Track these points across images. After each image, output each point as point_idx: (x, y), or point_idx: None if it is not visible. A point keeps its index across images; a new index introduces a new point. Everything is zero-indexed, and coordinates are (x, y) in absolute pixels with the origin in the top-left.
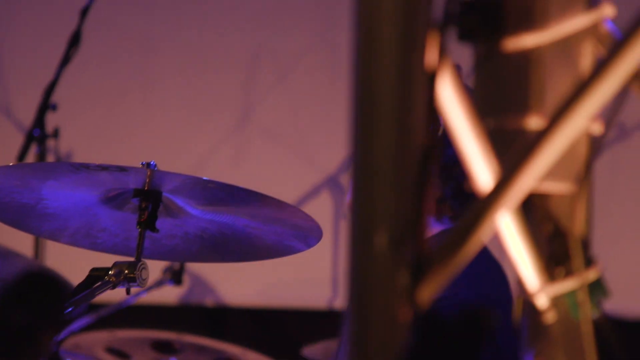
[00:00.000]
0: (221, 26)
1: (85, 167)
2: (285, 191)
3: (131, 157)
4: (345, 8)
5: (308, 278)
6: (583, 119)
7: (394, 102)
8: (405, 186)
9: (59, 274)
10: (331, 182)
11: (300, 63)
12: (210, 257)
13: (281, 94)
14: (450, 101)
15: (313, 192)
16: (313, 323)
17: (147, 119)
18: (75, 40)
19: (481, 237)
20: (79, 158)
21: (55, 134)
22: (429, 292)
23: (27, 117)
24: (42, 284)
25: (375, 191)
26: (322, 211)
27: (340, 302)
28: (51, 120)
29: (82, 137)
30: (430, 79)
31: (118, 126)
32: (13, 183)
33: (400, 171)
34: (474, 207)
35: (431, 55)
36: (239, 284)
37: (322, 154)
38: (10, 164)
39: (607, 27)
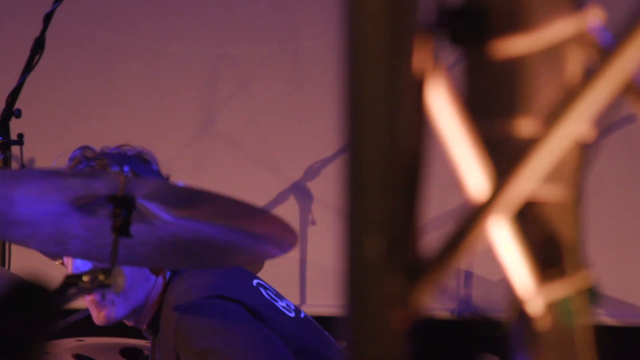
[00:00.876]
0: (181, 34)
1: (58, 173)
2: (250, 199)
3: None
4: (306, 14)
5: (275, 285)
6: (577, 125)
7: (382, 107)
8: (396, 191)
9: (45, 282)
10: (296, 189)
11: (261, 70)
12: (184, 263)
13: (242, 102)
14: (441, 107)
15: (278, 200)
16: None
17: (109, 126)
18: (38, 46)
19: (475, 243)
20: (43, 164)
21: (20, 140)
22: (423, 298)
23: None
24: (32, 293)
25: (367, 197)
26: (288, 218)
27: (307, 308)
28: (14, 127)
29: (45, 143)
30: (419, 84)
31: (81, 133)
32: None
33: (391, 176)
34: (468, 213)
35: (421, 59)
36: None
37: (285, 161)
38: None
39: (595, 31)
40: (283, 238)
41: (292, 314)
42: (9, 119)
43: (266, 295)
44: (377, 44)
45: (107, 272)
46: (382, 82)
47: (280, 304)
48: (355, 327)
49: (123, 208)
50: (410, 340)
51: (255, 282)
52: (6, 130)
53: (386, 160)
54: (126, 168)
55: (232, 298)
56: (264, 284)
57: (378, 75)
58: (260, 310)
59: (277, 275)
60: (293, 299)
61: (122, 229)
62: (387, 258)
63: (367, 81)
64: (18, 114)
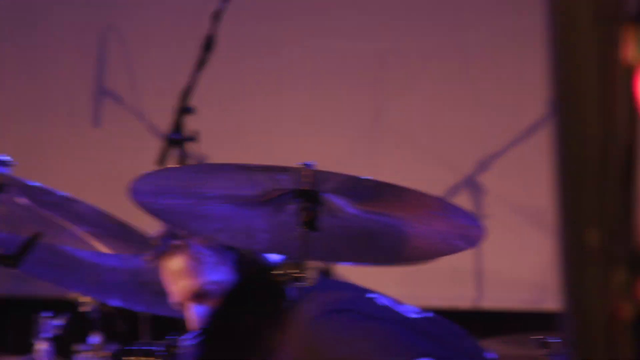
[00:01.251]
0: (349, 30)
1: (247, 168)
2: None
3: (266, 159)
4: (473, 7)
5: (450, 278)
6: None
7: (596, 100)
8: (612, 182)
9: (276, 275)
10: (468, 183)
11: (429, 64)
12: (369, 258)
13: (411, 96)
14: None
15: (450, 193)
16: (457, 323)
17: (279, 122)
18: (209, 44)
19: None
20: (215, 160)
21: (194, 137)
22: None
23: (159, 120)
24: (266, 285)
25: (583, 189)
26: None
27: (484, 302)
28: (188, 125)
29: (218, 140)
30: (629, 75)
31: (252, 129)
32: (174, 185)
33: (607, 168)
34: None
35: (627, 50)
36: (381, 284)
37: (456, 154)
38: (172, 166)
39: None
40: (469, 231)
41: (417, 315)
42: (183, 117)
43: (380, 303)
44: (586, 35)
45: (299, 266)
46: (594, 73)
47: (402, 308)
48: (579, 321)
49: (310, 202)
50: (636, 332)
51: (368, 295)
52: (181, 128)
53: (602, 153)
54: None
55: (346, 309)
56: (378, 295)
57: (590, 67)
58: (377, 314)
59: (453, 270)
60: (469, 293)
61: (310, 223)
62: (608, 251)
63: (579, 73)
64: (192, 111)
